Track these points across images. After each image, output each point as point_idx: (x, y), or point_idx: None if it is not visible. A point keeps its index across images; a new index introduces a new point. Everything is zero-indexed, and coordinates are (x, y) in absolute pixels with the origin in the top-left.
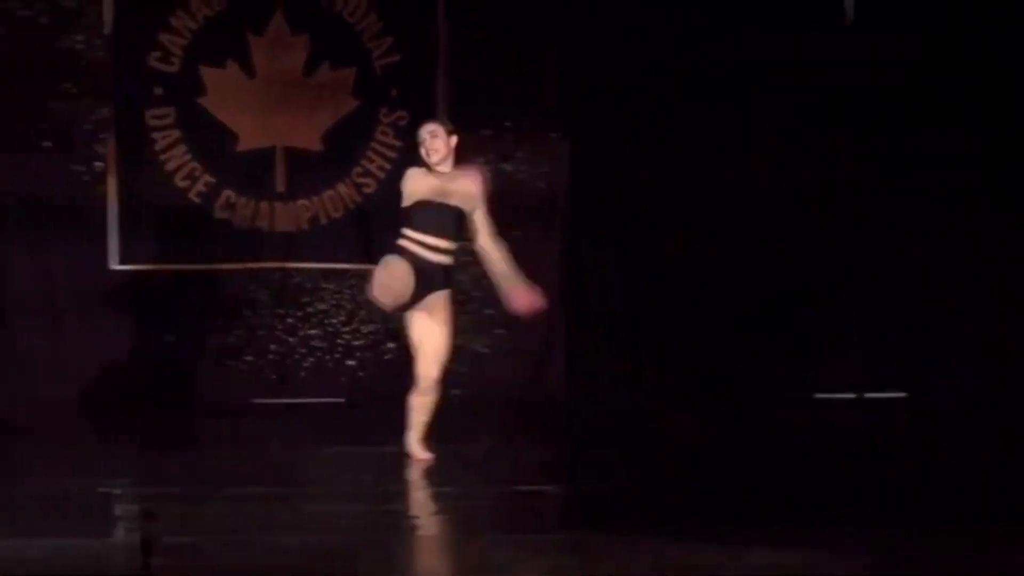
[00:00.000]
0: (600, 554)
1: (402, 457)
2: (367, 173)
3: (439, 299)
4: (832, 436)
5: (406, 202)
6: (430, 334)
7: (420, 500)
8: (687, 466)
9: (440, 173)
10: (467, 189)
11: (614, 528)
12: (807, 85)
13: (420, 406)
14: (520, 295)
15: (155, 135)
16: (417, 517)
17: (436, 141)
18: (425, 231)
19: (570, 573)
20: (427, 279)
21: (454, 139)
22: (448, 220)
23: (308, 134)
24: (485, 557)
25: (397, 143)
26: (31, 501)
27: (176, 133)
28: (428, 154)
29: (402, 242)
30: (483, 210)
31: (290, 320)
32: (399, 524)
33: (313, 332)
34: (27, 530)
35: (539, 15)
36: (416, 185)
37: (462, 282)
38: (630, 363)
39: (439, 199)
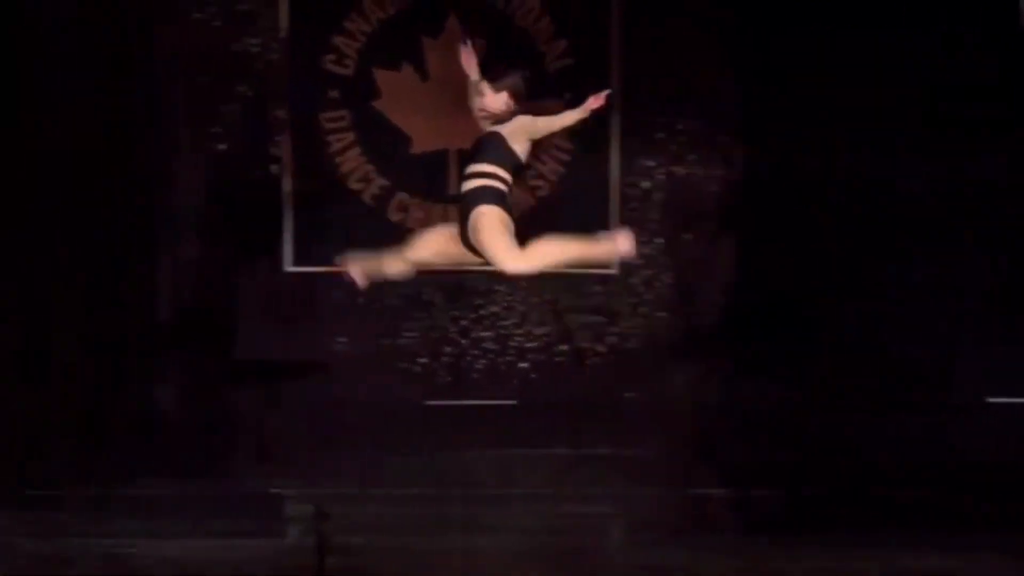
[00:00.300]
0: (773, 557)
1: (574, 459)
2: (540, 176)
3: None
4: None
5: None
6: None
7: (591, 502)
8: (854, 469)
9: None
10: None
11: (790, 531)
12: (980, 88)
13: None
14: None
15: (330, 138)
16: (587, 519)
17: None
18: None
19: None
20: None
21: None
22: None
23: None
24: (661, 558)
25: (570, 146)
26: (206, 502)
27: (350, 136)
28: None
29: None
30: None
31: (463, 322)
32: (570, 526)
33: (486, 334)
34: (202, 531)
35: (713, 17)
36: None
37: (633, 285)
38: (798, 364)
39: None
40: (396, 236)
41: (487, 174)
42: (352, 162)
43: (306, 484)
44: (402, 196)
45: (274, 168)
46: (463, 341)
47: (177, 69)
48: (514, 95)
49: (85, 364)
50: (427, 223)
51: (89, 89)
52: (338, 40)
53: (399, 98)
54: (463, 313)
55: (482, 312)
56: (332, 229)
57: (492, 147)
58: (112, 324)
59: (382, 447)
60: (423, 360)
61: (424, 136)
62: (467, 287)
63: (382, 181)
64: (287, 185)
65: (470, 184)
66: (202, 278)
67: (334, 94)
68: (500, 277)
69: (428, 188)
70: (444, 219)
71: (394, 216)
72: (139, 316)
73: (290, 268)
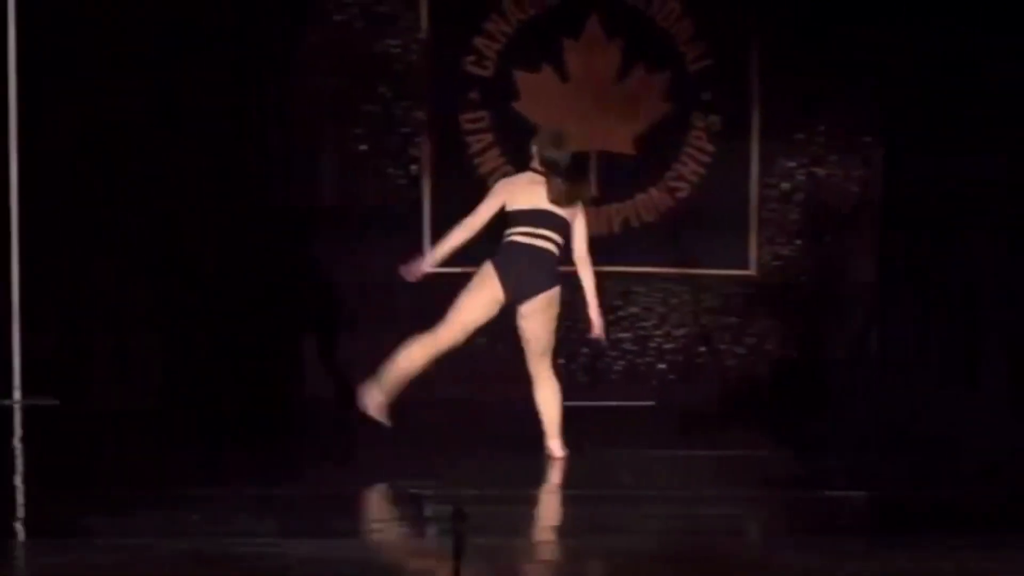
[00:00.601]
0: (910, 559)
1: (711, 460)
2: (680, 177)
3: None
4: None
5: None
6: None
7: (727, 503)
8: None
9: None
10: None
11: (920, 534)
12: None
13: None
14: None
15: (469, 139)
16: (724, 520)
17: None
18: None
19: None
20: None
21: None
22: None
23: (621, 138)
24: (796, 561)
25: (710, 147)
26: (344, 501)
27: (490, 137)
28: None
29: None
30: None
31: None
32: (704, 527)
33: (624, 335)
34: (341, 530)
35: (853, 19)
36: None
37: (771, 287)
38: (940, 367)
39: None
40: None
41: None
42: (491, 163)
43: (444, 484)
44: None
45: (414, 169)
46: (602, 342)
47: (319, 70)
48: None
49: (221, 363)
50: None
51: (232, 90)
52: (478, 41)
53: (538, 99)
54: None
55: (621, 313)
56: None
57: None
58: (253, 322)
59: (519, 448)
60: (561, 361)
61: None
62: (606, 288)
63: None
64: (426, 186)
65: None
66: (341, 278)
67: (474, 95)
68: (639, 278)
69: None
70: None
71: None
72: (281, 314)
73: (429, 270)
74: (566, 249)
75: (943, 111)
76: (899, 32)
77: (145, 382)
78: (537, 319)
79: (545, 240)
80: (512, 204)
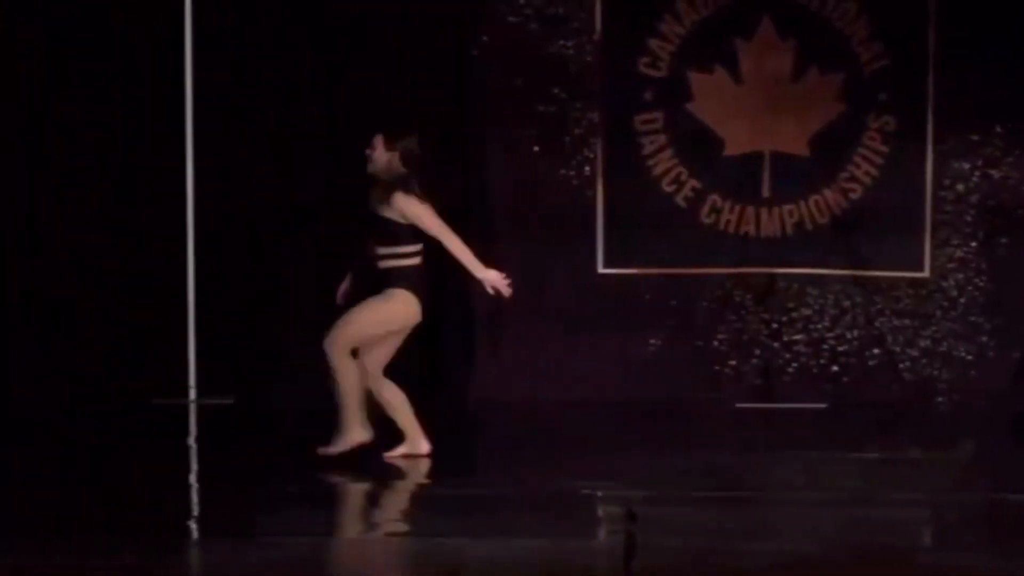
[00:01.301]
0: None
1: (884, 463)
2: (853, 179)
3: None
4: None
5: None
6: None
7: (899, 506)
8: None
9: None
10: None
11: None
12: None
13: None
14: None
15: (643, 140)
16: (896, 523)
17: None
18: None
19: None
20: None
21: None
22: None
23: (795, 139)
24: (973, 564)
25: (884, 148)
26: (515, 501)
27: (663, 138)
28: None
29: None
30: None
31: (774, 325)
32: (878, 529)
33: (797, 337)
34: (510, 529)
35: None
36: None
37: (946, 288)
38: None
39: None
40: (709, 240)
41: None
42: (664, 164)
43: (615, 485)
44: (714, 199)
45: (587, 170)
46: (774, 344)
47: (493, 72)
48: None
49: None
50: (739, 226)
51: (407, 94)
52: (652, 42)
53: (712, 100)
54: (774, 316)
55: (794, 315)
56: (644, 231)
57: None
58: (430, 321)
59: (691, 449)
60: (733, 363)
61: (737, 139)
62: (778, 289)
63: (694, 184)
64: (599, 187)
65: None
66: (514, 279)
67: (647, 96)
68: (812, 280)
69: (741, 191)
70: (756, 223)
71: (706, 219)
72: (454, 313)
73: (602, 270)
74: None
75: None
76: None
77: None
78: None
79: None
80: None
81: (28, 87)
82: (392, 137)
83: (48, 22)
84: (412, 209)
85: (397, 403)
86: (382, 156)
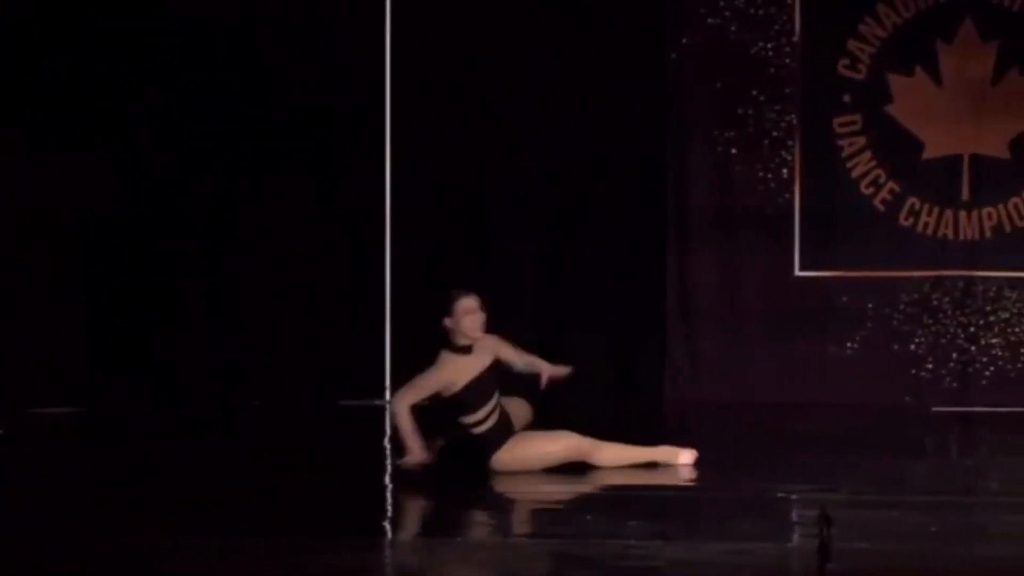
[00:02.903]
0: None
1: None
2: None
3: None
4: None
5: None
6: None
7: None
8: None
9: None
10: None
11: None
12: None
13: None
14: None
15: (841, 142)
16: None
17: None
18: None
19: None
20: None
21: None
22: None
23: (995, 142)
24: None
25: None
26: (710, 504)
27: (862, 140)
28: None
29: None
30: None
31: (972, 328)
32: None
33: (995, 341)
34: (706, 533)
35: None
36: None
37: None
38: None
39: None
40: (907, 242)
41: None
42: (863, 167)
43: (810, 488)
44: (913, 201)
45: (785, 172)
46: (972, 347)
47: (692, 74)
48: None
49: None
50: (937, 229)
51: (607, 94)
52: (851, 44)
53: (912, 103)
54: (972, 319)
55: (991, 318)
56: (841, 234)
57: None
58: (623, 321)
59: (889, 452)
60: (930, 366)
61: (937, 141)
62: (976, 292)
63: (893, 186)
64: (797, 189)
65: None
66: (710, 280)
67: (846, 98)
68: (1011, 283)
69: (940, 194)
70: (954, 226)
71: (904, 222)
72: (646, 314)
73: (799, 273)
74: None
75: None
76: None
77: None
78: None
79: None
80: None
81: None
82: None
83: None
84: None
85: None
86: None
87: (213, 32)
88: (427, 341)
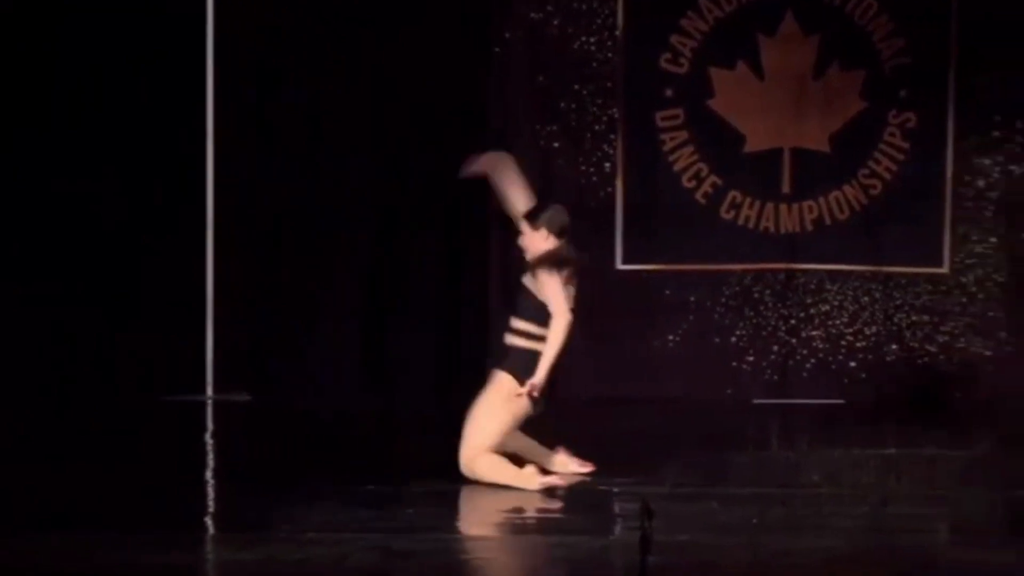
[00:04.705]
0: None
1: (901, 459)
2: (873, 175)
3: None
4: None
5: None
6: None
7: (915, 503)
8: None
9: None
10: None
11: None
12: None
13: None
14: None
15: (663, 136)
16: (915, 519)
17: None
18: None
19: None
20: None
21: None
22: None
23: (816, 135)
24: (988, 560)
25: (904, 145)
26: (532, 497)
27: (684, 134)
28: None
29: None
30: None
31: (793, 321)
32: (895, 526)
33: (815, 333)
34: (526, 527)
35: None
36: None
37: (965, 284)
38: None
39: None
40: (728, 236)
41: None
42: (685, 160)
43: (632, 481)
44: (735, 195)
45: (607, 166)
46: (792, 340)
47: (514, 69)
48: (552, 231)
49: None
50: (758, 222)
51: (427, 91)
52: (674, 39)
53: (733, 96)
54: (793, 312)
55: (812, 311)
56: (663, 228)
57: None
58: (448, 319)
59: (710, 445)
60: (751, 358)
61: (758, 135)
62: (797, 285)
63: (715, 180)
64: (619, 183)
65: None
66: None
67: (669, 93)
68: (831, 276)
69: (761, 188)
70: (775, 219)
71: (726, 215)
72: (471, 310)
73: (622, 266)
74: None
75: None
76: None
77: (337, 378)
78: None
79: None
80: None
81: None
82: (532, 217)
83: None
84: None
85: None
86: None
87: None
88: (249, 338)
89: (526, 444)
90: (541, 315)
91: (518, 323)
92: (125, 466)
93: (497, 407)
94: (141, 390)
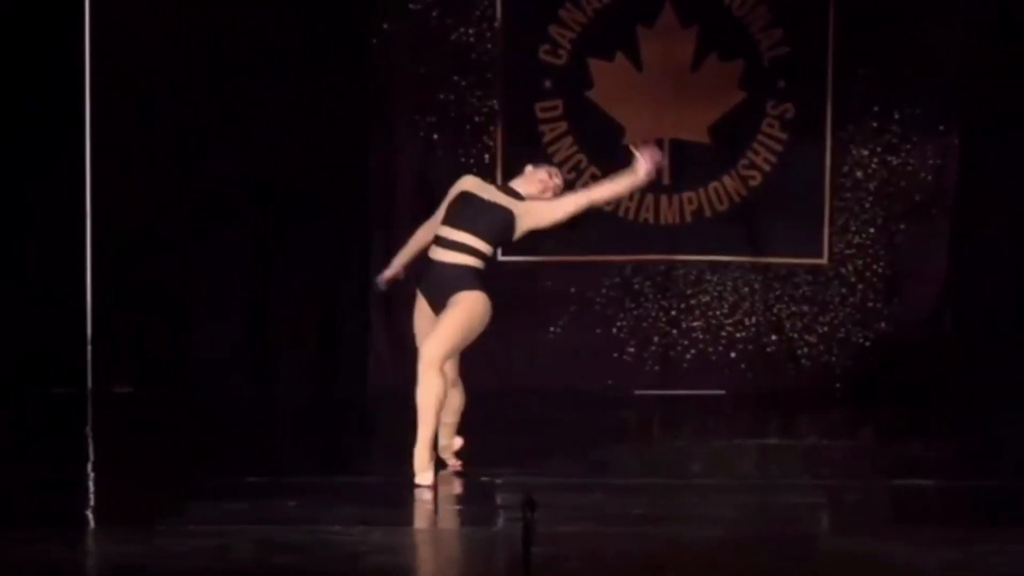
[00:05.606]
0: (988, 550)
1: (782, 449)
2: (752, 165)
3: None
4: None
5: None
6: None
7: (798, 492)
8: None
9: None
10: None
11: (1005, 523)
12: None
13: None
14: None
15: (543, 127)
16: (796, 509)
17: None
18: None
19: (956, 569)
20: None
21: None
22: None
23: (694, 127)
24: (871, 549)
25: (783, 135)
26: (417, 489)
27: (563, 125)
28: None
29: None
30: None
31: (673, 312)
32: (781, 516)
33: (696, 324)
34: (410, 519)
35: (934, 8)
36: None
37: (844, 275)
38: (1017, 359)
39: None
40: (609, 227)
41: (471, 249)
42: (565, 151)
43: (515, 472)
44: None
45: (487, 158)
46: (673, 331)
47: (393, 60)
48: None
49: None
50: (638, 214)
51: (308, 82)
52: (552, 30)
53: (612, 88)
54: (673, 303)
55: (692, 302)
56: None
57: (493, 220)
58: (329, 312)
59: (592, 436)
60: (632, 349)
61: (637, 126)
62: (677, 276)
63: (595, 171)
64: (499, 174)
65: (453, 255)
66: (412, 266)
67: (548, 84)
68: (711, 267)
69: None
70: (655, 210)
71: (606, 207)
72: (352, 302)
73: (503, 258)
74: None
75: (1022, 98)
76: (977, 17)
77: (218, 369)
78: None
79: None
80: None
81: None
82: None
83: None
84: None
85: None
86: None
87: None
88: (130, 330)
89: (445, 421)
90: (492, 235)
91: (465, 237)
92: (4, 459)
93: (464, 325)
94: (21, 382)
